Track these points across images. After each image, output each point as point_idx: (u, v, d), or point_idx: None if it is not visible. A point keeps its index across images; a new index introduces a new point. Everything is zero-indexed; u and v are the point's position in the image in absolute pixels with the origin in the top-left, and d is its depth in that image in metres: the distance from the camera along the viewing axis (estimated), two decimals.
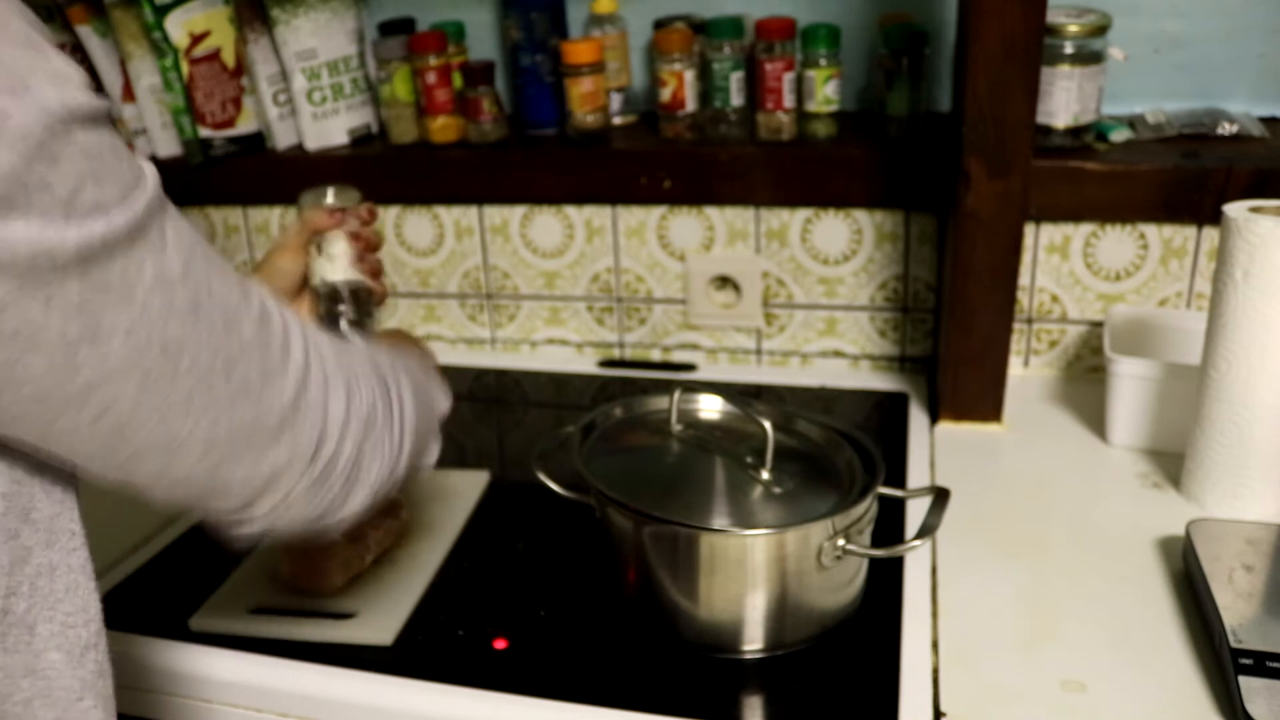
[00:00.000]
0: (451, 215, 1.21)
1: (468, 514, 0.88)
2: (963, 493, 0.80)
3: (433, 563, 0.81)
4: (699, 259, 1.15)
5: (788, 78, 1.05)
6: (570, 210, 1.17)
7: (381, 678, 0.69)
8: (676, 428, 0.79)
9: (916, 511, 0.82)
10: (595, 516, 0.74)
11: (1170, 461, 0.88)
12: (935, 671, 0.67)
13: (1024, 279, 1.04)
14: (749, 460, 0.73)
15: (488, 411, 1.16)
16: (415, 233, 1.23)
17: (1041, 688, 0.64)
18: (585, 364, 1.22)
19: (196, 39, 1.18)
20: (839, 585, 0.70)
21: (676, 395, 0.79)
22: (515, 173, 1.15)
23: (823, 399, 1.10)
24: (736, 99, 1.08)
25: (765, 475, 0.72)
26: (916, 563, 0.78)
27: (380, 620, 0.74)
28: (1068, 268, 1.04)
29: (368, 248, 0.76)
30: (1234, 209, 0.76)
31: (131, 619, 0.76)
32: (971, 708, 0.63)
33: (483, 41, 1.23)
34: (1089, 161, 0.97)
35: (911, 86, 1.04)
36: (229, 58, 1.21)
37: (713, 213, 1.12)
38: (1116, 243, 1.01)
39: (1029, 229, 1.02)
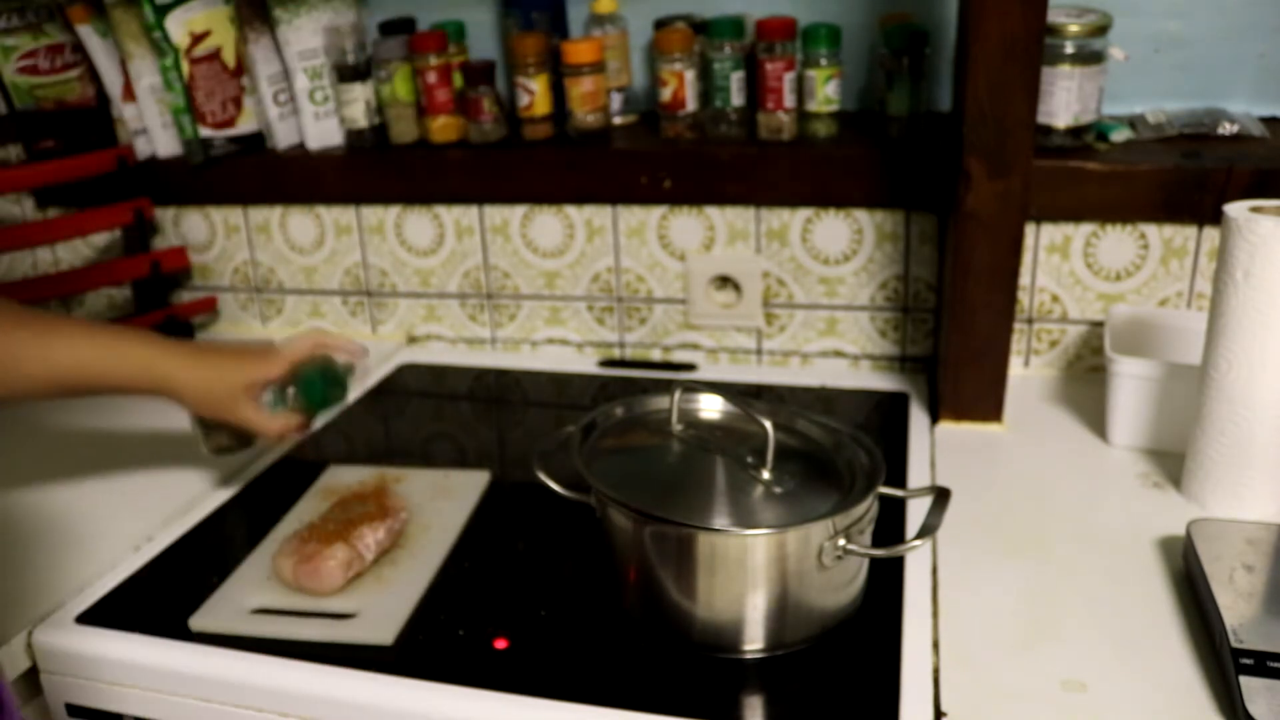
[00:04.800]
0: (452, 215, 1.21)
1: (468, 514, 0.88)
2: (963, 493, 0.79)
3: (433, 563, 0.81)
4: (699, 259, 1.15)
5: (788, 77, 1.05)
6: (570, 210, 1.17)
7: (382, 678, 0.69)
8: (677, 427, 0.79)
9: (917, 511, 0.82)
10: (595, 516, 0.74)
11: (1171, 461, 0.88)
12: (936, 671, 0.67)
13: (1024, 279, 1.04)
14: (749, 460, 0.73)
15: (488, 411, 1.16)
16: (415, 233, 1.23)
17: (1042, 688, 0.64)
18: (585, 364, 1.22)
19: (197, 38, 1.18)
20: (839, 585, 0.70)
21: (677, 395, 0.79)
22: (515, 173, 1.15)
23: (823, 399, 1.10)
24: (737, 99, 1.08)
25: (766, 475, 0.71)
26: (917, 563, 0.78)
27: (380, 620, 0.74)
28: (1068, 268, 1.04)
29: None
30: (1234, 209, 0.76)
31: (131, 619, 0.76)
32: (972, 707, 0.63)
33: (483, 41, 1.23)
34: (1089, 161, 0.97)
35: (912, 86, 1.04)
36: (229, 57, 1.21)
37: (713, 212, 1.12)
38: (1117, 243, 1.01)
39: (1029, 229, 1.02)
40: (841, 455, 0.75)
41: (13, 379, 0.76)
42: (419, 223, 1.23)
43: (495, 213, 1.19)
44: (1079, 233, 1.02)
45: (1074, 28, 0.95)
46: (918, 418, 1.02)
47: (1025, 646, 0.68)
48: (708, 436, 0.78)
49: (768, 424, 0.71)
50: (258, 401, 0.86)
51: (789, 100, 1.06)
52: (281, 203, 1.27)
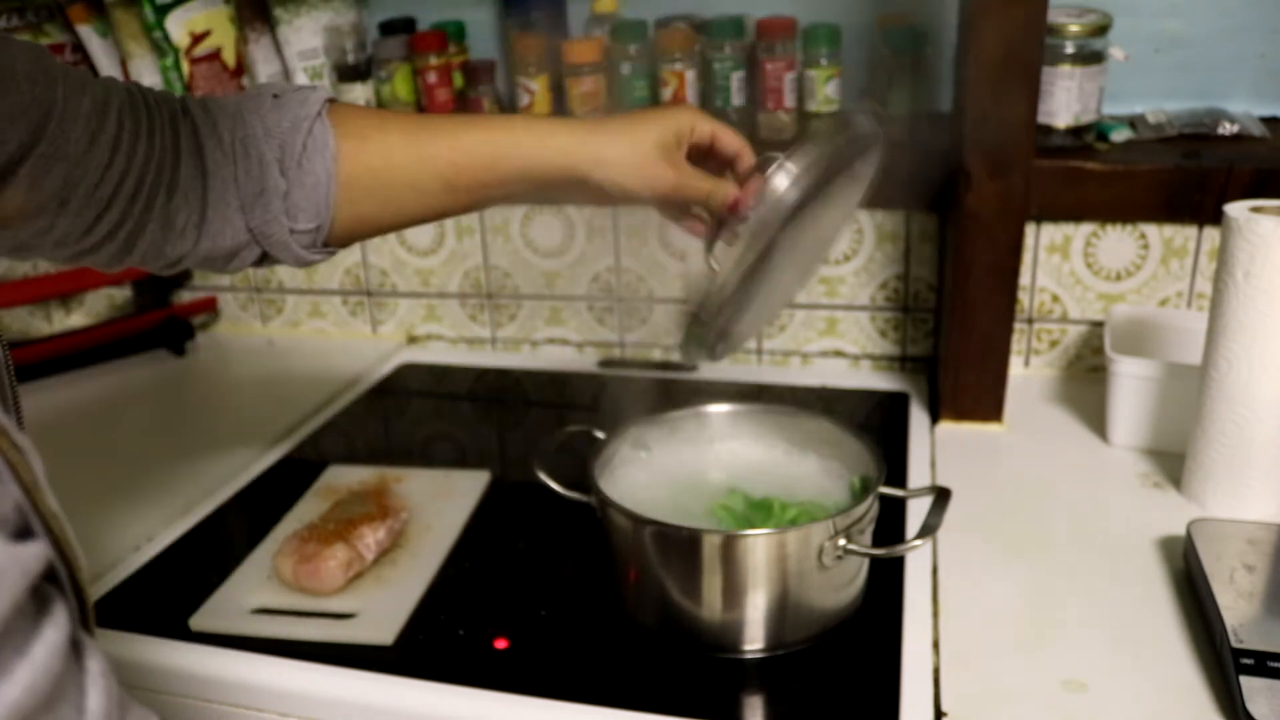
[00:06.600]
0: None
1: (468, 514, 0.88)
2: (963, 493, 0.79)
3: (433, 563, 0.80)
4: (700, 259, 1.14)
5: (789, 77, 1.05)
6: (571, 210, 1.17)
7: (382, 678, 0.69)
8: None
9: (917, 511, 0.82)
10: (595, 516, 0.74)
11: (1171, 461, 0.88)
12: (936, 671, 0.67)
13: (1024, 279, 1.04)
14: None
15: (488, 411, 1.16)
16: (416, 232, 1.23)
17: (1042, 688, 0.64)
18: (586, 364, 1.22)
19: (197, 38, 1.18)
20: (840, 585, 0.70)
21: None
22: None
23: (823, 399, 1.10)
24: (737, 99, 1.08)
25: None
26: (917, 562, 0.78)
27: (380, 620, 0.74)
28: (1068, 267, 1.04)
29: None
30: (1235, 209, 0.76)
31: (131, 619, 0.76)
32: (973, 707, 0.63)
33: (483, 41, 1.23)
34: (1090, 161, 0.97)
35: (912, 86, 1.04)
36: (229, 57, 1.21)
37: None
38: (1117, 242, 1.01)
39: (1029, 229, 1.02)
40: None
41: (393, 188, 0.66)
42: None
43: (495, 212, 1.19)
44: (1079, 233, 1.02)
45: (1074, 28, 0.95)
46: (918, 418, 1.02)
47: (1025, 646, 0.68)
48: None
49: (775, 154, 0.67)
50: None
51: (789, 100, 1.06)
52: None
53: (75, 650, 0.36)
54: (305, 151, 0.64)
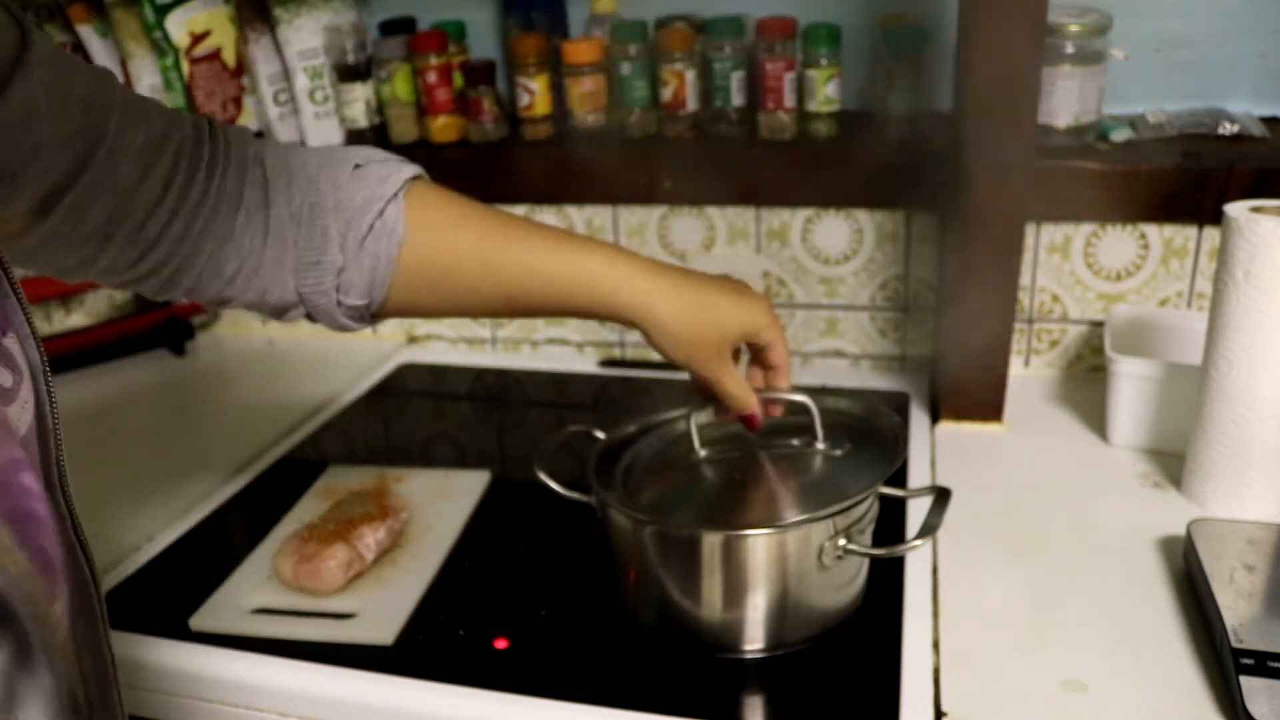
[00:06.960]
0: None
1: (468, 514, 0.88)
2: (964, 492, 0.79)
3: (433, 563, 0.81)
4: (699, 259, 1.15)
5: (789, 77, 1.05)
6: (570, 210, 1.17)
7: (382, 677, 0.69)
8: (702, 452, 0.75)
9: (917, 511, 0.82)
10: (595, 516, 0.74)
11: (1171, 461, 0.88)
12: (936, 671, 0.67)
13: (1024, 279, 1.04)
14: (796, 442, 0.75)
15: (488, 411, 1.16)
16: None
17: (1042, 688, 0.64)
18: (586, 364, 1.22)
19: (197, 38, 1.18)
20: (840, 585, 0.70)
21: (693, 423, 0.76)
22: (515, 173, 1.15)
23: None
24: (737, 98, 1.08)
25: (821, 445, 0.73)
26: (917, 562, 0.78)
27: (380, 620, 0.74)
28: (1068, 267, 1.04)
29: None
30: (1235, 209, 0.76)
31: (131, 619, 0.76)
32: (973, 707, 0.63)
33: (483, 41, 1.23)
34: (1090, 161, 0.97)
35: (912, 86, 1.04)
36: (229, 57, 1.21)
37: (713, 212, 1.12)
38: (1117, 242, 1.01)
39: (1029, 229, 1.02)
40: (877, 420, 0.76)
41: (453, 288, 0.66)
42: None
43: None
44: (1079, 233, 1.02)
45: (1074, 28, 0.95)
46: (918, 418, 1.02)
47: (1025, 646, 0.68)
48: (736, 443, 0.77)
49: (804, 399, 0.73)
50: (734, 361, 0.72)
51: (789, 100, 1.06)
52: None
53: (10, 699, 0.35)
54: (371, 233, 0.63)
